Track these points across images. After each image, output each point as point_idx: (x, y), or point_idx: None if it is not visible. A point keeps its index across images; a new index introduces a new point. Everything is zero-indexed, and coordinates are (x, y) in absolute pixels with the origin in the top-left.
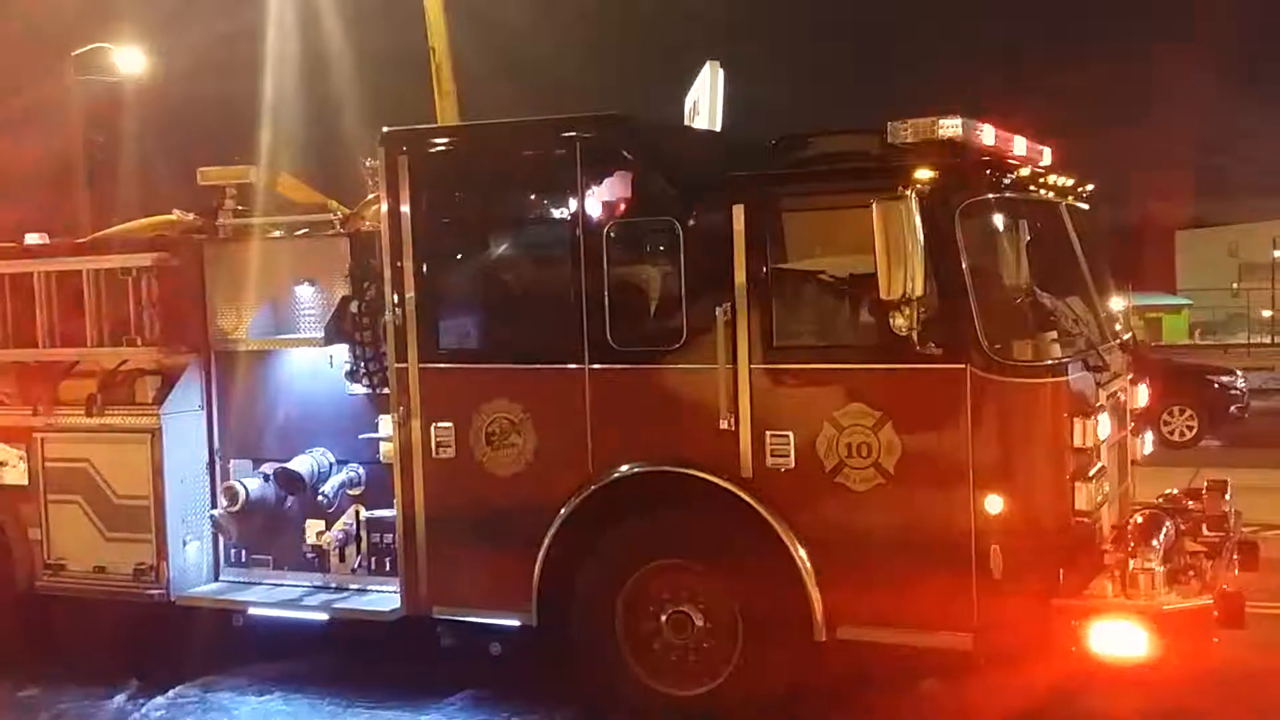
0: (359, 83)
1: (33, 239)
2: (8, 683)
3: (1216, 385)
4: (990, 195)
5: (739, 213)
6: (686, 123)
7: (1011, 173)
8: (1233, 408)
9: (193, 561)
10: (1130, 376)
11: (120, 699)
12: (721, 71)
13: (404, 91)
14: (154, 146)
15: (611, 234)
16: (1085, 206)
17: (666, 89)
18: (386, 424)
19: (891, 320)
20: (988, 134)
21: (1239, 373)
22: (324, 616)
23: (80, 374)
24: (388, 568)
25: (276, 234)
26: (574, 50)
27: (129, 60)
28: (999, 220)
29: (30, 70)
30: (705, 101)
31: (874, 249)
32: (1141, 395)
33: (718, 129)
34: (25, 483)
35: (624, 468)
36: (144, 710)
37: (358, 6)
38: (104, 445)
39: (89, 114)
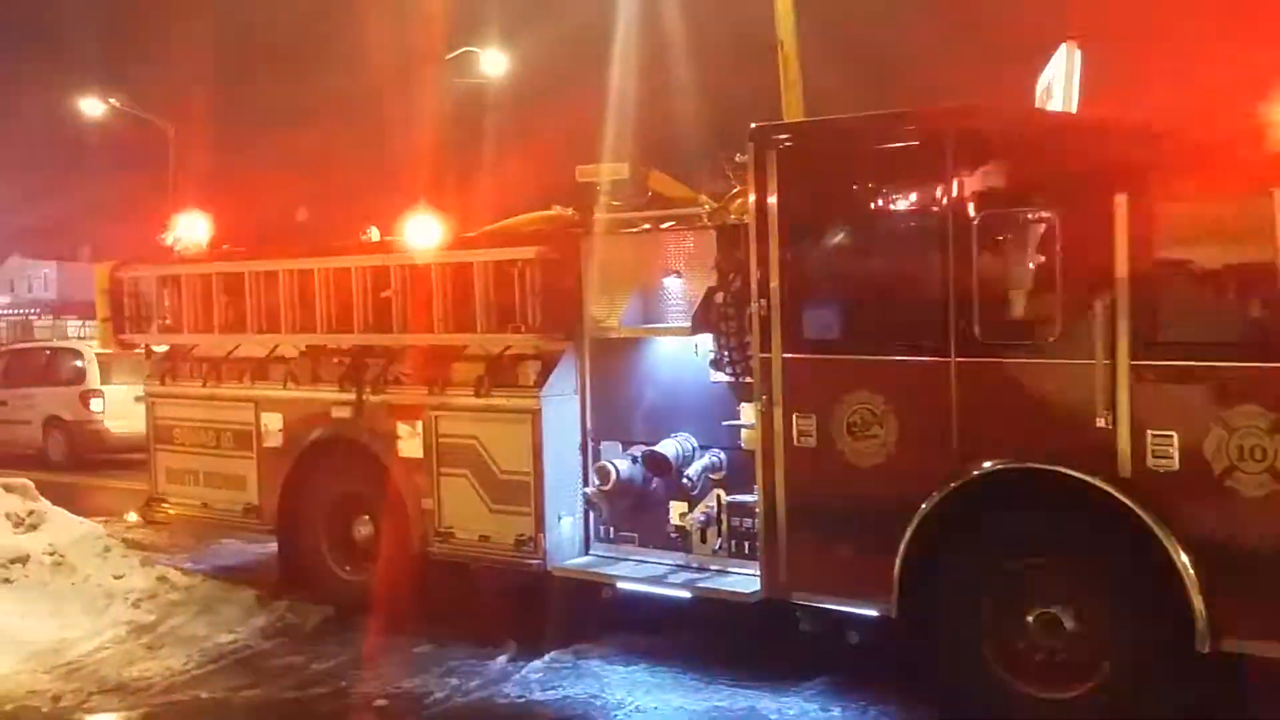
0: (704, 77)
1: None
2: (403, 639)
3: None
4: None
5: (1121, 203)
6: (1037, 106)
7: None
8: None
9: (566, 535)
10: None
11: (502, 660)
12: (1079, 53)
13: (746, 83)
14: (513, 144)
15: (982, 225)
16: None
17: (1013, 74)
18: (748, 411)
19: None
20: None
21: None
22: (687, 594)
23: (469, 357)
24: (746, 550)
25: (645, 227)
26: (913, 36)
27: (493, 62)
28: None
29: (405, 74)
30: (1060, 84)
31: (1274, 240)
32: None
33: (1072, 112)
34: (420, 456)
35: (992, 463)
36: (524, 671)
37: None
38: (490, 424)
39: (458, 114)
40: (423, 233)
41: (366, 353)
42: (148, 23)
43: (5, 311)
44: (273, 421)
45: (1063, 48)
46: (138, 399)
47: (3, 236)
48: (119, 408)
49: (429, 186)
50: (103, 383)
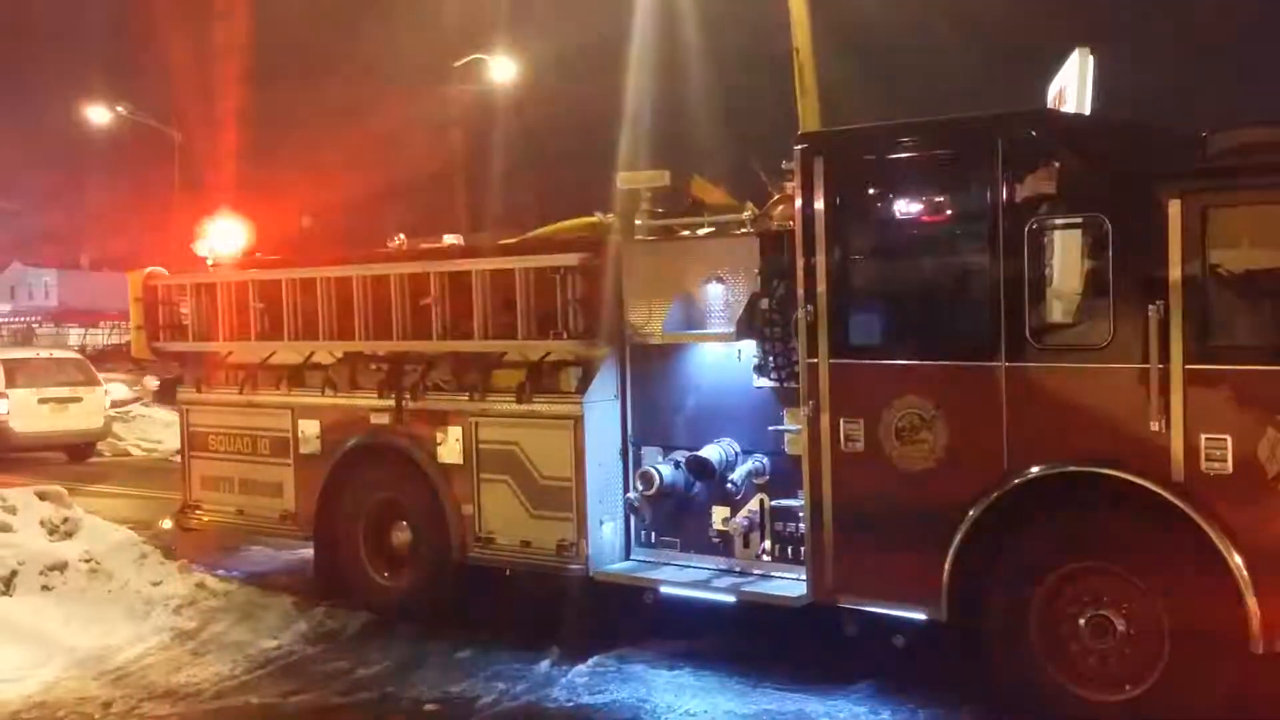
0: (723, 82)
1: (450, 239)
2: (444, 644)
3: None
4: None
5: (1175, 208)
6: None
7: None
8: None
9: (608, 540)
10: None
11: (546, 664)
12: (1091, 58)
13: (760, 91)
14: (523, 150)
15: (1033, 230)
16: None
17: (1024, 80)
18: (793, 416)
19: None
20: None
21: None
22: (732, 599)
23: (509, 364)
24: (790, 555)
25: (685, 234)
26: (927, 42)
27: (502, 69)
28: None
29: (413, 80)
30: (1073, 90)
31: None
32: None
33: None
34: (460, 461)
35: (1043, 467)
36: (569, 676)
37: (717, 7)
38: (531, 430)
39: (465, 121)
40: (450, 239)
41: (405, 359)
42: (155, 31)
43: (6, 319)
44: (310, 428)
45: (1075, 53)
46: (41, 401)
47: (4, 244)
48: (23, 409)
49: (447, 194)
50: (8, 386)
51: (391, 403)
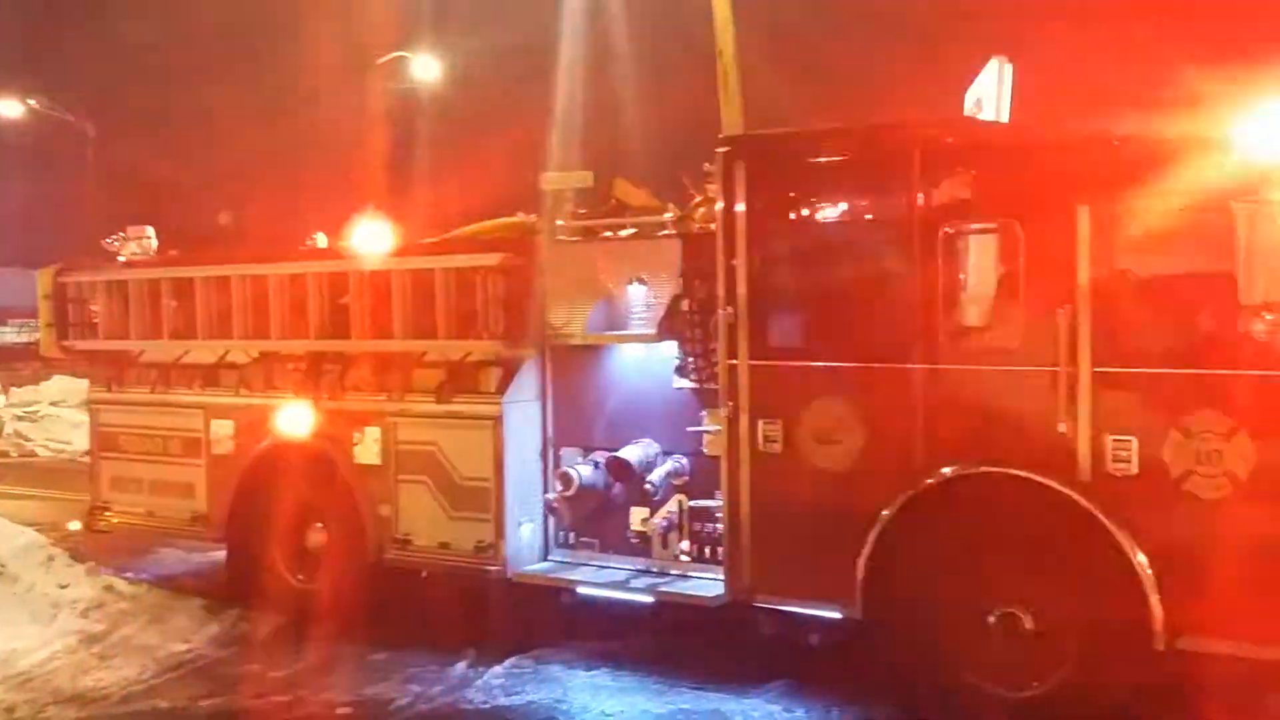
0: (646, 84)
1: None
2: (359, 647)
3: None
4: None
5: (1084, 213)
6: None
7: None
8: None
9: (526, 541)
10: None
11: (462, 666)
12: (1010, 67)
13: (686, 93)
14: (446, 149)
15: (948, 235)
16: None
17: (942, 87)
18: (711, 417)
19: (1251, 326)
20: None
21: None
22: (650, 599)
23: (429, 364)
24: (708, 555)
25: (607, 235)
26: (844, 47)
27: (425, 67)
28: None
29: (334, 78)
30: (990, 98)
31: (1233, 251)
32: None
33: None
34: (378, 462)
35: (955, 468)
36: (485, 677)
37: (644, 9)
38: (450, 430)
39: (388, 119)
40: (373, 239)
41: (322, 359)
42: (70, 24)
43: None
44: (223, 428)
45: (993, 61)
46: None
47: None
48: None
49: (369, 192)
50: None
51: (308, 403)
